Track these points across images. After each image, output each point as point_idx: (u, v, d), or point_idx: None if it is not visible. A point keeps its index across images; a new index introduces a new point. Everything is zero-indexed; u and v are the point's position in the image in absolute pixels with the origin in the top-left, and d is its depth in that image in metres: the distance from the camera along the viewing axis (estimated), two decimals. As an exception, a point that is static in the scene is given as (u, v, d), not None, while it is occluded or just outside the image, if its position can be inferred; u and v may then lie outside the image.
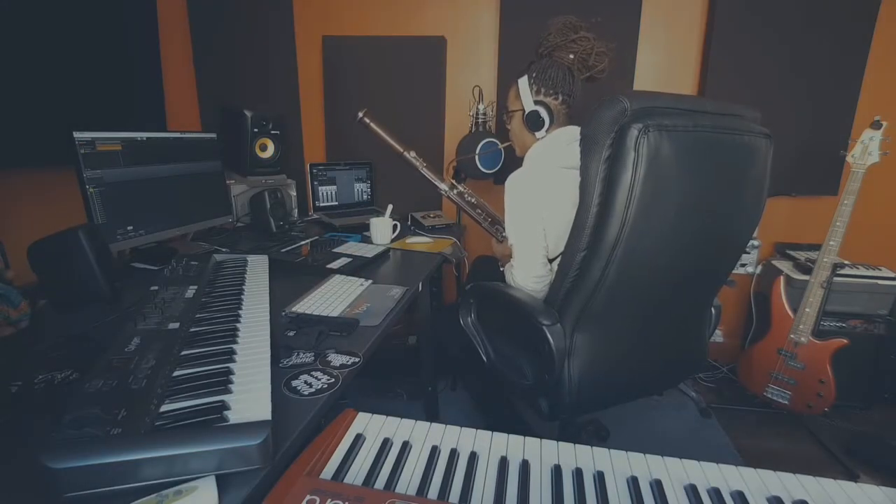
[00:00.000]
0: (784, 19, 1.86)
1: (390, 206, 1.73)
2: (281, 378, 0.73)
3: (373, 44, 2.09)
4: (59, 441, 0.49)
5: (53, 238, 0.97)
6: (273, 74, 2.12)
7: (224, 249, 1.45)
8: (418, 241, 1.74)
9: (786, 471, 0.54)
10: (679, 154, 0.85)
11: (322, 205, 2.03)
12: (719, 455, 1.66)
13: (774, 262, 2.01)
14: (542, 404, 1.10)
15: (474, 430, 0.60)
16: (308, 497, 0.45)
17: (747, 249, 2.04)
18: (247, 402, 0.58)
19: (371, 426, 0.60)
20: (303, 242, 1.55)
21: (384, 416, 0.62)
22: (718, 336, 2.20)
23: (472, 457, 0.56)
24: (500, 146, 1.77)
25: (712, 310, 1.25)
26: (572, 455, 0.57)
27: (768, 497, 0.50)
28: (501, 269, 1.34)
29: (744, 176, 0.97)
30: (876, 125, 1.62)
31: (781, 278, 1.83)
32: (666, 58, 2.02)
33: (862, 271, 1.86)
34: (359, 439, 0.57)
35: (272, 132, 1.85)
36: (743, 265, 2.08)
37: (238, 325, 0.79)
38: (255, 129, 1.78)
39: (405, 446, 0.57)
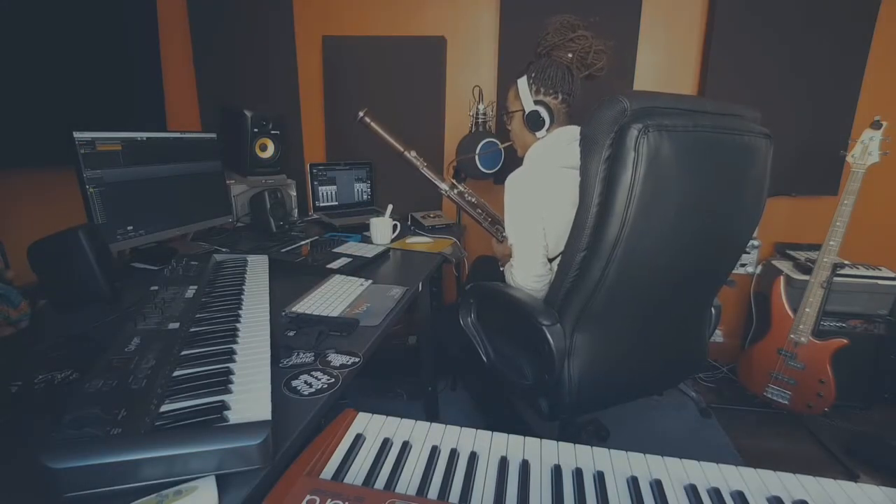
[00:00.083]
0: (784, 19, 1.86)
1: (390, 206, 1.73)
2: (281, 378, 0.73)
3: (373, 44, 2.09)
4: (59, 441, 0.49)
5: (53, 238, 0.97)
6: (273, 74, 2.12)
7: (224, 249, 1.45)
8: (418, 241, 1.74)
9: (786, 471, 0.54)
10: (679, 154, 0.85)
11: (322, 205, 2.03)
12: (719, 455, 1.66)
13: (774, 262, 2.01)
14: (542, 404, 1.10)
15: (474, 430, 0.60)
16: (308, 497, 0.45)
17: (747, 249, 2.04)
18: (247, 402, 0.58)
19: (371, 426, 0.60)
20: (303, 242, 1.55)
21: (384, 416, 0.62)
22: (718, 336, 2.20)
23: (472, 457, 0.56)
24: (500, 146, 1.77)
25: (712, 310, 1.25)
26: (572, 455, 0.57)
27: (768, 497, 0.50)
28: (501, 268, 1.34)
29: (744, 176, 0.97)
30: (876, 125, 1.62)
31: (781, 278, 1.83)
32: (666, 58, 2.02)
33: (862, 271, 1.86)
34: (359, 439, 0.57)
35: (272, 132, 1.85)
36: (743, 265, 2.08)
37: (238, 325, 0.79)
38: (255, 129, 1.78)
39: (405, 446, 0.57)
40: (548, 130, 1.22)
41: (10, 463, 0.55)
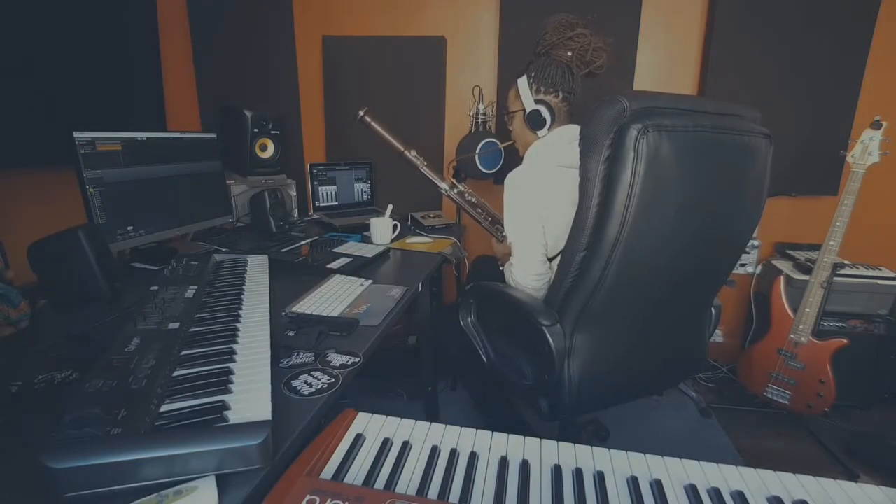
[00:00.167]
0: (784, 19, 1.86)
1: (390, 206, 1.73)
2: (281, 378, 0.73)
3: (373, 44, 2.09)
4: (59, 441, 0.49)
5: (53, 238, 0.97)
6: (273, 74, 2.12)
7: (224, 249, 1.45)
8: (418, 241, 1.74)
9: (786, 471, 0.54)
10: (679, 154, 0.85)
11: (322, 205, 2.03)
12: (719, 455, 1.66)
13: (774, 262, 2.01)
14: (542, 404, 1.10)
15: (474, 430, 0.60)
16: (308, 497, 0.45)
17: (747, 249, 2.04)
18: (247, 402, 0.58)
19: (371, 426, 0.60)
20: (303, 242, 1.55)
21: (384, 416, 0.62)
22: (718, 336, 2.20)
23: (472, 457, 0.56)
24: (501, 146, 1.77)
25: (712, 310, 1.25)
26: (572, 455, 0.57)
27: (768, 497, 0.50)
28: (501, 268, 1.34)
29: (744, 176, 0.97)
30: (876, 125, 1.62)
31: (781, 278, 1.83)
32: (666, 58, 2.02)
33: (862, 271, 1.86)
34: (359, 439, 0.57)
35: (272, 132, 1.85)
36: (743, 265, 2.08)
37: (238, 325, 0.79)
38: (255, 129, 1.78)
39: (405, 446, 0.57)
40: (549, 129, 1.22)
41: (10, 463, 0.55)
